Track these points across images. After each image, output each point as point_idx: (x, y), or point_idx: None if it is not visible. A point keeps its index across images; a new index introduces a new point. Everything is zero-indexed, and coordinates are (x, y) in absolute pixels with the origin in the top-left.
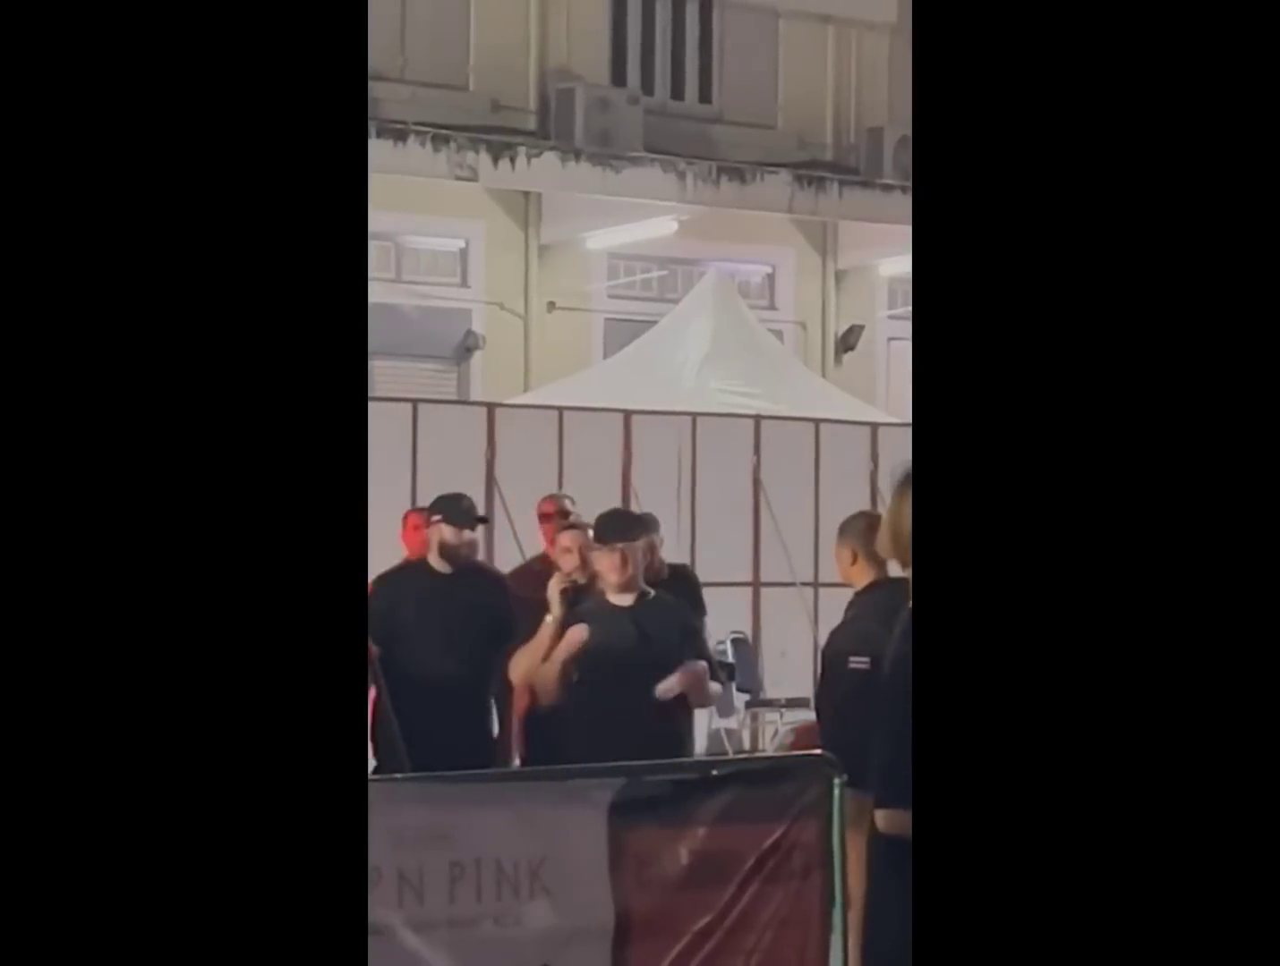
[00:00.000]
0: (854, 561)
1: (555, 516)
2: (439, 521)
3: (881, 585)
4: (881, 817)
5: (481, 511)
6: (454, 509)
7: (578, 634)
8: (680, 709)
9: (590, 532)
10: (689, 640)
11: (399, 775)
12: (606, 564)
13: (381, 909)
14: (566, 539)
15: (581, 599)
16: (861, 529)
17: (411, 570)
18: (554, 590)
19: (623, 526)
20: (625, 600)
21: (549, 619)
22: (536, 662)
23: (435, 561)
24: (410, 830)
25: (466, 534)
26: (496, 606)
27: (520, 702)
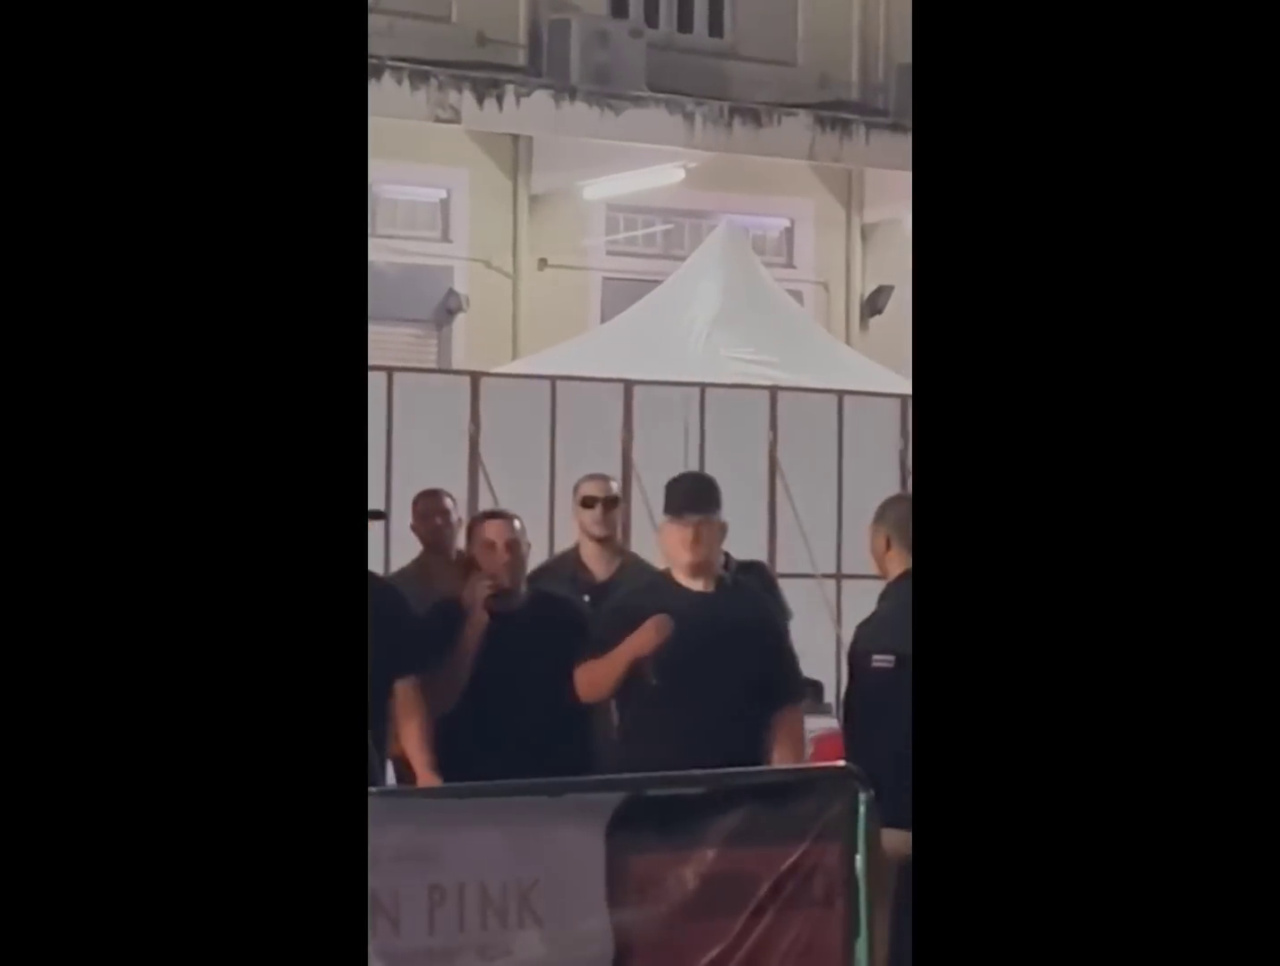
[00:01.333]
0: (888, 548)
1: (601, 502)
2: None
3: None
4: (891, 839)
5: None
6: None
7: (659, 627)
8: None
9: (517, 523)
10: (776, 647)
11: (373, 789)
12: (677, 539)
13: None
14: (491, 531)
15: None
16: (901, 514)
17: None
18: (476, 594)
19: (698, 497)
20: (698, 585)
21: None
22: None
23: None
24: (385, 849)
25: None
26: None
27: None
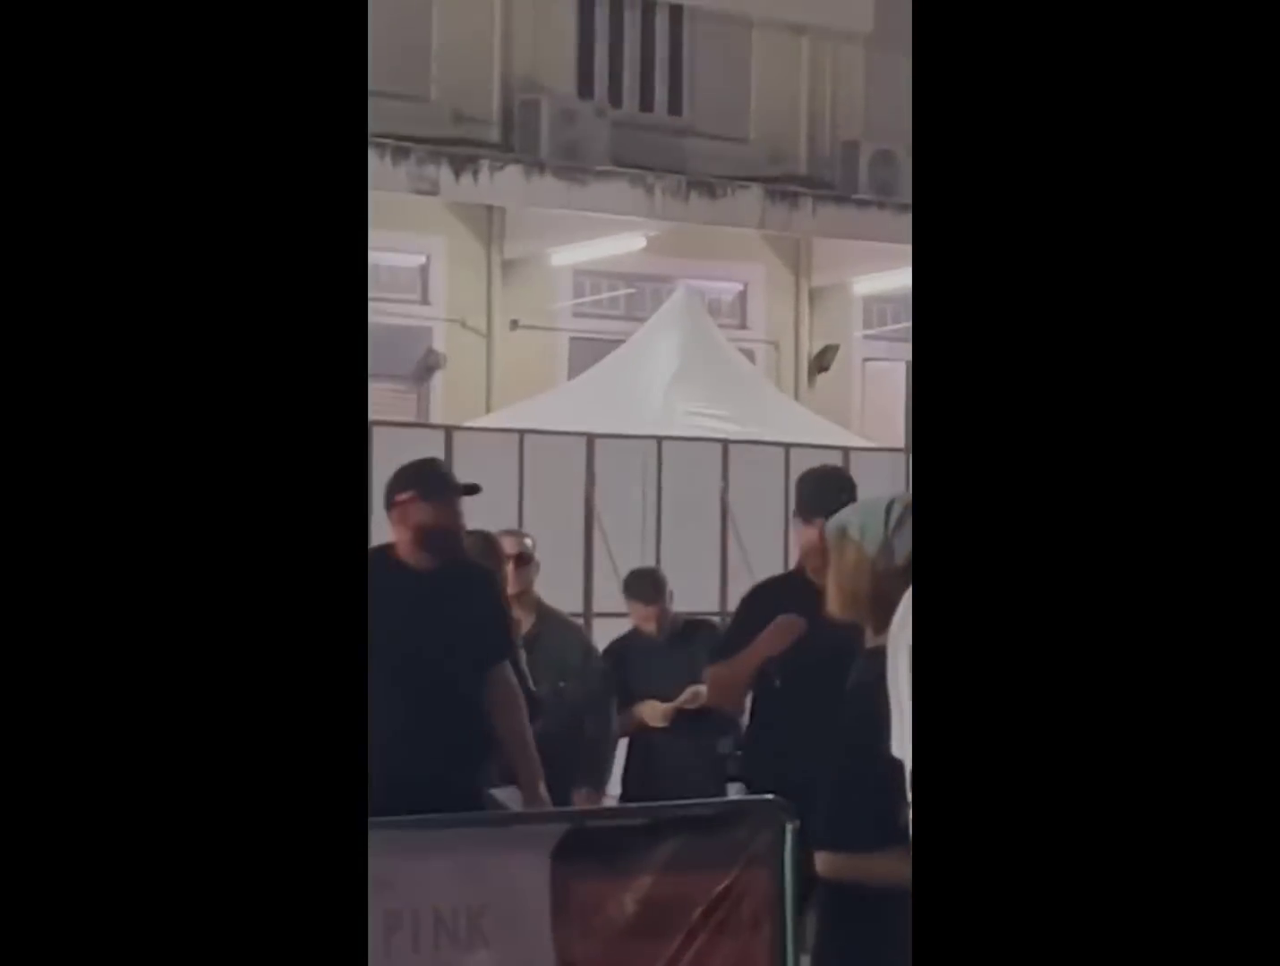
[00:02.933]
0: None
1: (513, 559)
2: (410, 498)
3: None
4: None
5: None
6: (429, 478)
7: (790, 627)
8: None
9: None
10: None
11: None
12: (808, 539)
13: None
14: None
15: None
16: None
17: (377, 566)
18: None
19: (829, 499)
20: None
21: None
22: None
23: (410, 553)
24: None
25: (448, 510)
26: (490, 614)
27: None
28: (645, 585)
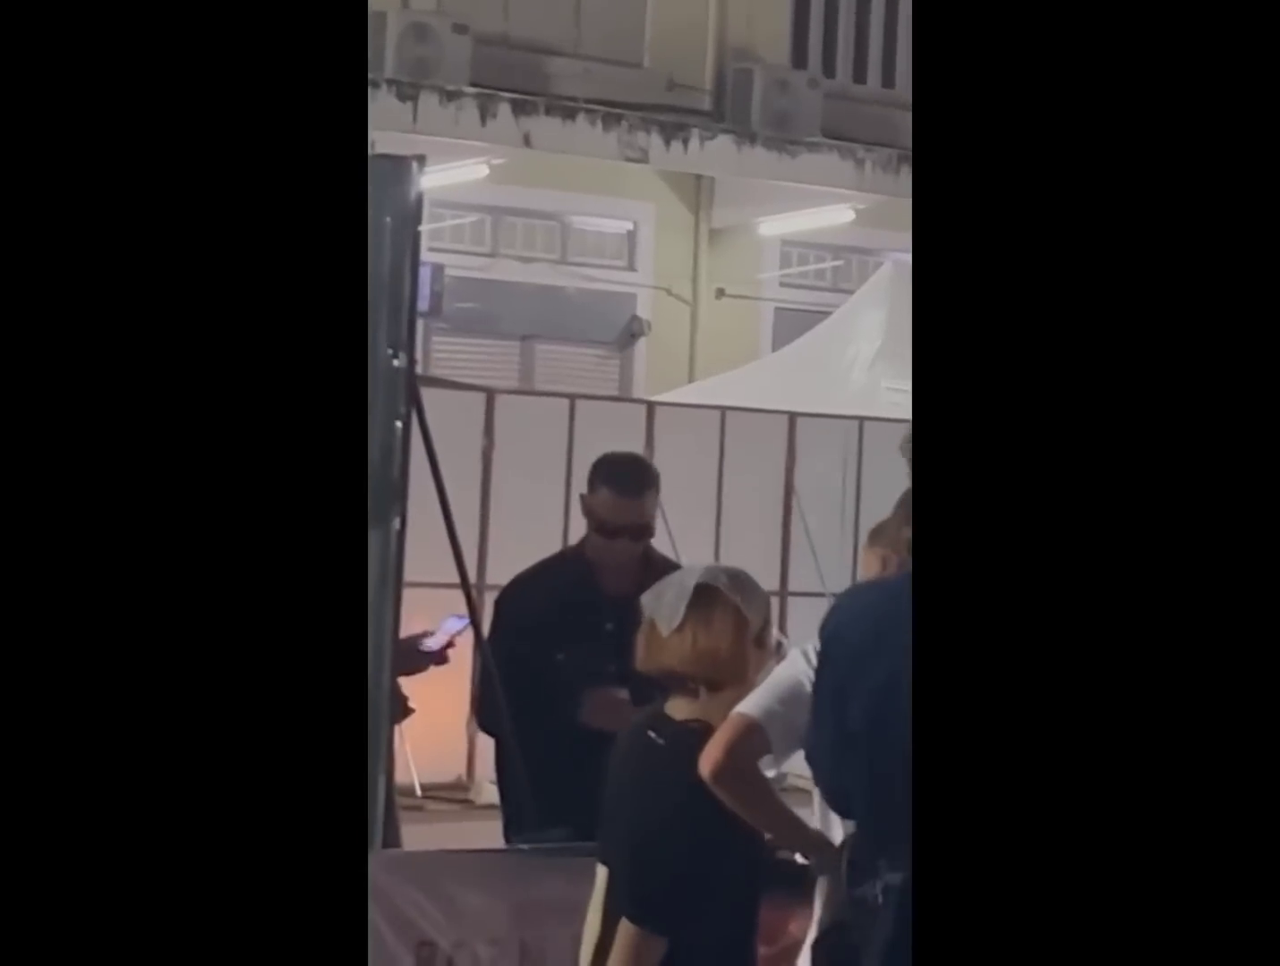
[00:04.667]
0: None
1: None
2: (590, 494)
3: None
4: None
5: None
6: (620, 470)
7: None
8: None
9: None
10: None
11: (525, 846)
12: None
13: None
14: None
15: None
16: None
17: (567, 564)
18: None
19: None
20: None
21: None
22: None
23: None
24: (536, 903)
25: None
26: None
27: None
28: None
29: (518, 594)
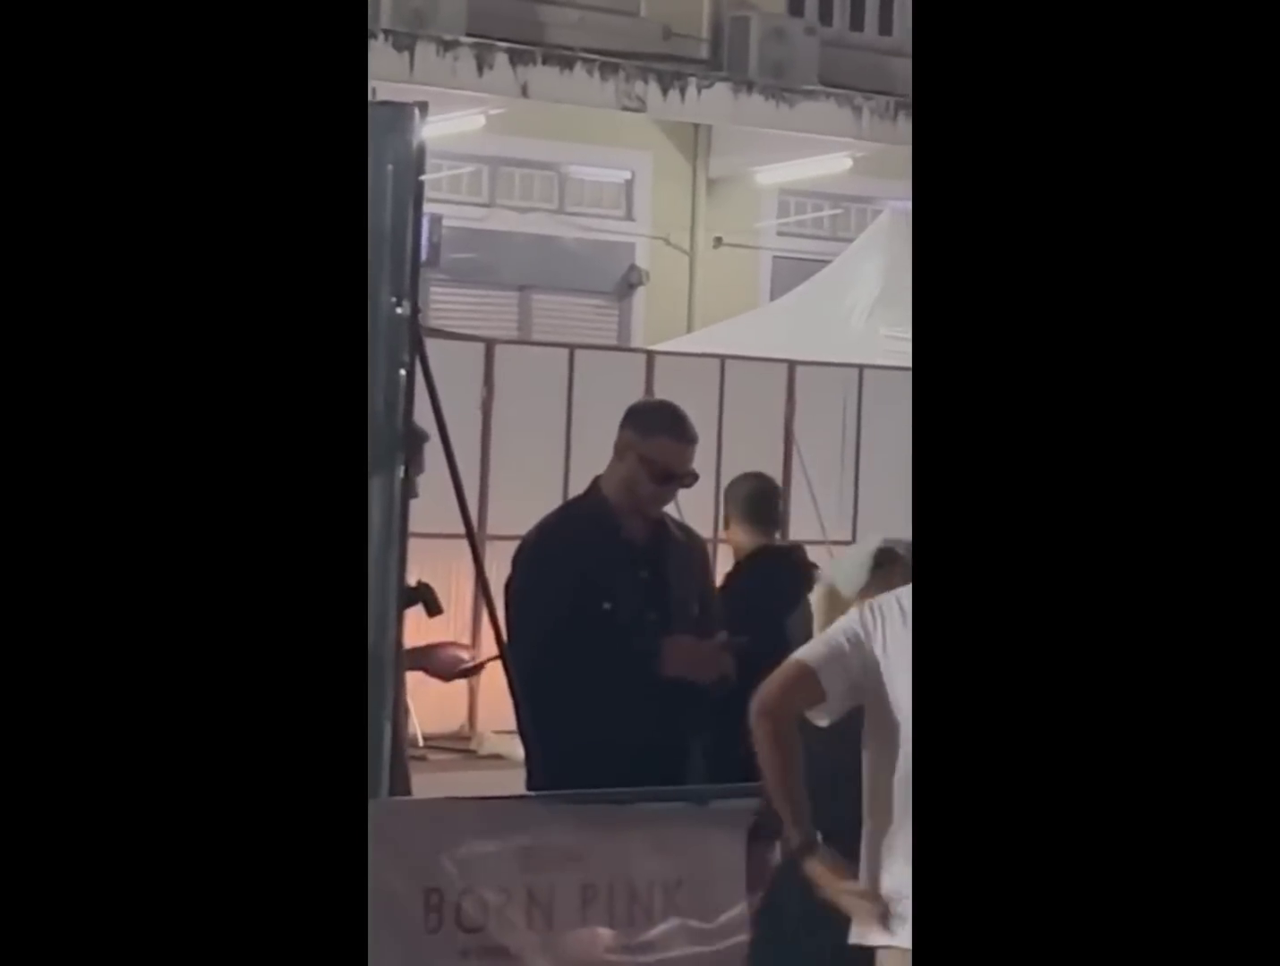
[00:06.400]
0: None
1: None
2: (646, 440)
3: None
4: None
5: None
6: (675, 416)
7: None
8: None
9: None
10: None
11: (533, 794)
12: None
13: (509, 931)
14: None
15: None
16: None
17: (586, 512)
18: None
19: None
20: None
21: None
22: None
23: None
24: (544, 850)
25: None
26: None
27: None
28: None
29: (545, 545)
